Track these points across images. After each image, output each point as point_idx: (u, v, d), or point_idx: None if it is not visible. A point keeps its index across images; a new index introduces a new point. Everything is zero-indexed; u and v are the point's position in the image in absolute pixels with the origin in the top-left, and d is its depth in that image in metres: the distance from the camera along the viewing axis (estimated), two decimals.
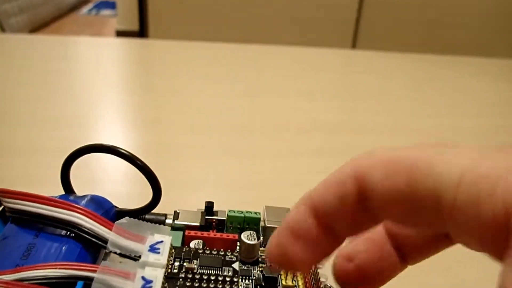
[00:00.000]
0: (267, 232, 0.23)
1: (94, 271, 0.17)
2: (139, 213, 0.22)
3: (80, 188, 0.23)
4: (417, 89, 0.65)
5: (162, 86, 0.59)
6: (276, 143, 0.46)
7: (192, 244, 0.21)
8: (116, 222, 0.19)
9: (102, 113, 0.51)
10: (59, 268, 0.16)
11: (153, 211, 0.23)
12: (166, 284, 0.18)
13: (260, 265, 0.22)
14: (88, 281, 0.16)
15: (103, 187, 0.35)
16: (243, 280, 0.21)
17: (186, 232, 0.22)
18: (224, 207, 0.25)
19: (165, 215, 0.23)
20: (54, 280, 0.16)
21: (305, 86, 0.63)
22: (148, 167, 0.20)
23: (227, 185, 0.39)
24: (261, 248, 0.23)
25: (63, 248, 0.18)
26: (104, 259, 0.19)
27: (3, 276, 0.16)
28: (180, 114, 0.51)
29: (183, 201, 0.34)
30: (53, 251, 0.18)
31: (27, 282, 0.16)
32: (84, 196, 0.21)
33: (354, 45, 1.26)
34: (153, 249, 0.18)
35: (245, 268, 0.22)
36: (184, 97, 0.56)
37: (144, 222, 0.20)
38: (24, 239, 0.18)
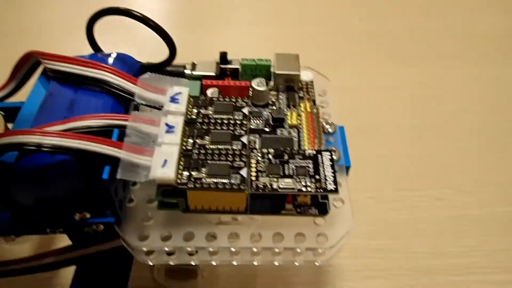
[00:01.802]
0: (276, 78, 0.26)
1: (127, 120, 0.20)
2: (159, 67, 0.25)
3: (107, 47, 0.25)
4: None
5: None
6: None
7: (208, 92, 0.24)
8: (139, 77, 0.22)
9: None
10: (99, 119, 0.20)
11: (174, 63, 0.26)
12: (186, 127, 0.21)
13: (270, 107, 0.25)
14: (122, 128, 0.20)
15: (126, 45, 0.38)
16: (255, 120, 0.24)
17: (203, 82, 0.25)
18: (240, 54, 0.27)
19: (184, 66, 0.26)
20: (95, 129, 0.20)
21: None
22: (160, 27, 0.22)
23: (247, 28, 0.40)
24: (271, 93, 0.26)
25: (99, 101, 0.21)
26: (134, 110, 0.22)
27: (56, 126, 0.20)
28: None
29: (205, 46, 0.36)
30: (92, 104, 0.21)
31: (74, 131, 0.20)
32: (110, 54, 0.24)
33: None
34: (173, 99, 0.22)
35: (257, 110, 0.25)
36: None
37: (164, 76, 0.23)
38: (66, 95, 0.22)
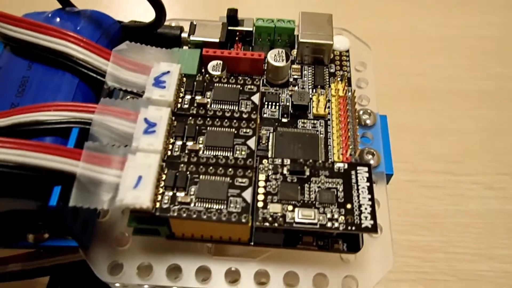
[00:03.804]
0: (301, 47, 0.19)
1: (93, 112, 0.15)
2: (147, 29, 0.19)
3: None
4: None
5: None
6: None
7: (210, 66, 0.18)
8: (114, 49, 0.16)
9: None
10: (54, 110, 0.15)
11: (168, 24, 0.20)
12: (175, 122, 0.16)
13: (291, 88, 0.19)
14: (85, 125, 0.15)
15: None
16: (269, 107, 0.18)
17: (204, 51, 0.19)
18: (252, 13, 0.21)
19: (181, 29, 0.20)
20: (49, 126, 0.15)
21: None
22: None
23: None
24: (294, 66, 0.20)
25: (58, 83, 0.16)
26: (107, 96, 0.17)
27: None
28: None
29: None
30: (48, 86, 0.16)
31: (21, 128, 0.15)
32: (82, 12, 0.18)
33: None
34: (158, 82, 0.16)
35: (272, 91, 0.19)
36: None
37: (148, 46, 0.17)
38: (17, 70, 0.16)
